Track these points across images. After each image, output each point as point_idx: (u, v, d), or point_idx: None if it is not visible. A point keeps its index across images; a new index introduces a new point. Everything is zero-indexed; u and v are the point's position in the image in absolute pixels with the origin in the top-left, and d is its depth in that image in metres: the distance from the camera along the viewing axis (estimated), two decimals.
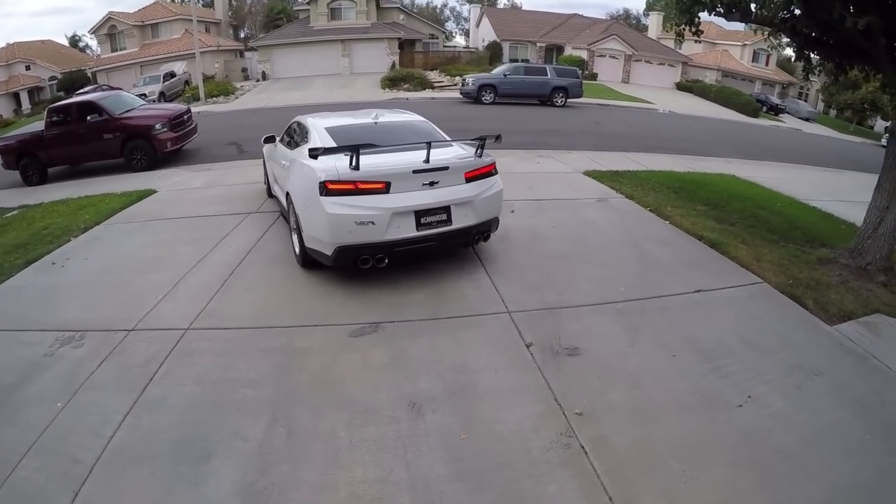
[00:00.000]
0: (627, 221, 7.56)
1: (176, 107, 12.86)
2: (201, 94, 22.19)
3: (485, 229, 5.47)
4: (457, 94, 25.05)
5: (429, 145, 5.00)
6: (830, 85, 33.12)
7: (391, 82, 27.54)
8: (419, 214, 4.95)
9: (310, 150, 5.12)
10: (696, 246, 6.71)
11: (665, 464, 3.12)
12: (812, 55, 7.32)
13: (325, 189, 4.76)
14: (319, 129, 5.83)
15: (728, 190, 10.86)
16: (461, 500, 2.88)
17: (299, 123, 6.44)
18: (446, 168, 5.05)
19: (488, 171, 5.42)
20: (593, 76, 38.16)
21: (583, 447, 3.21)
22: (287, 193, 5.65)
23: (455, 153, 5.38)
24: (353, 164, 4.75)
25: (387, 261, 5.01)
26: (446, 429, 3.38)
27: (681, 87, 40.94)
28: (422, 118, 6.52)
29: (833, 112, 44.84)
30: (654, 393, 3.74)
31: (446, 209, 5.07)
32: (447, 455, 3.18)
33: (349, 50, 34.58)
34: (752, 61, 44.27)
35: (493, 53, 39.53)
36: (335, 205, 4.74)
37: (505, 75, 22.78)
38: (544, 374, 3.91)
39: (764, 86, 43.33)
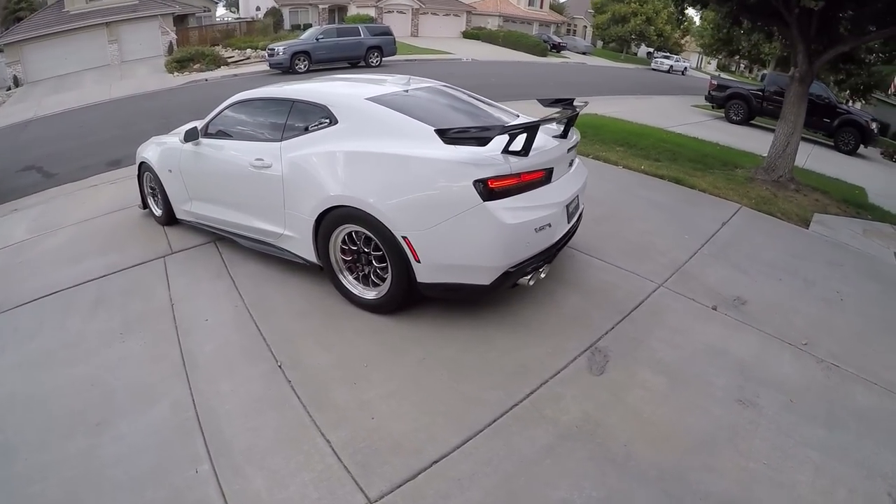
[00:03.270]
0: (591, 170, 7.02)
1: None
2: None
3: None
4: (259, 68, 22.81)
5: (571, 119, 3.85)
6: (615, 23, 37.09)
7: (179, 64, 23.73)
8: (568, 203, 3.80)
9: (442, 130, 3.33)
10: (668, 185, 7.23)
11: (872, 349, 3.88)
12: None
13: (489, 190, 3.20)
14: (358, 101, 3.87)
15: (619, 129, 11.10)
16: (868, 444, 2.94)
17: (282, 100, 4.26)
18: (577, 144, 4.06)
19: None
20: None
21: (833, 364, 3.64)
22: (323, 214, 3.71)
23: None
24: (522, 148, 3.26)
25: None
26: (780, 402, 3.22)
27: (467, 35, 41.94)
28: (442, 83, 4.91)
29: (600, 44, 49.63)
30: (809, 309, 4.35)
31: (578, 193, 4.03)
32: (812, 420, 3.11)
33: (117, 34, 28.27)
34: (529, 5, 46.85)
35: (276, 21, 36.62)
36: (509, 211, 3.26)
37: (317, 39, 20.77)
38: (756, 328, 3.98)
39: (541, 27, 46.27)
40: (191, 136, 4.69)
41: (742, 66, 53.12)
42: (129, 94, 18.94)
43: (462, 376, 3.20)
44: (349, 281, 3.90)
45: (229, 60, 25.62)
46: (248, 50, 27.79)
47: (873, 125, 14.81)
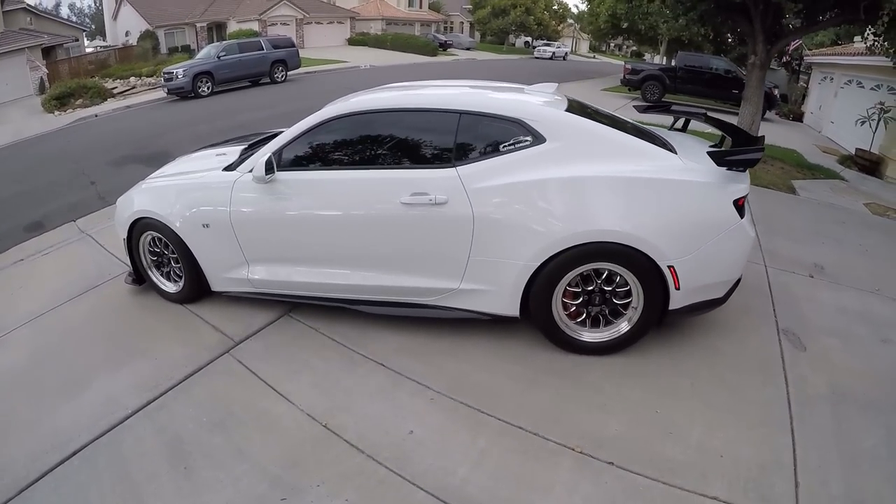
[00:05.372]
0: None
1: None
2: None
3: None
4: (153, 96, 20.22)
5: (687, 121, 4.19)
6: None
7: (59, 101, 20.66)
8: None
9: (717, 153, 3.17)
10: None
11: None
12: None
13: (740, 207, 3.10)
14: (561, 114, 3.19)
15: None
16: None
17: (441, 112, 3.22)
18: None
19: None
20: None
21: None
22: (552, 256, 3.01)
23: None
24: (742, 165, 3.16)
25: None
26: None
27: (353, 41, 40.32)
28: None
29: (478, 37, 49.80)
30: (856, 262, 4.99)
31: None
32: None
33: None
34: (409, 6, 45.85)
35: (154, 45, 33.33)
36: (749, 224, 3.22)
37: (219, 57, 18.50)
38: (845, 284, 4.49)
39: (422, 27, 45.59)
40: (268, 168, 3.29)
41: (612, 46, 55.69)
42: (9, 141, 16.02)
43: (734, 387, 3.08)
44: (572, 327, 3.27)
45: (115, 92, 22.77)
46: (132, 78, 24.93)
47: (776, 92, 15.49)
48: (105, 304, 4.29)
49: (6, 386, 3.38)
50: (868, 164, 10.09)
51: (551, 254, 2.98)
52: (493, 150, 3.12)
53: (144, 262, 4.17)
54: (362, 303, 3.49)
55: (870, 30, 8.39)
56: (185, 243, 3.74)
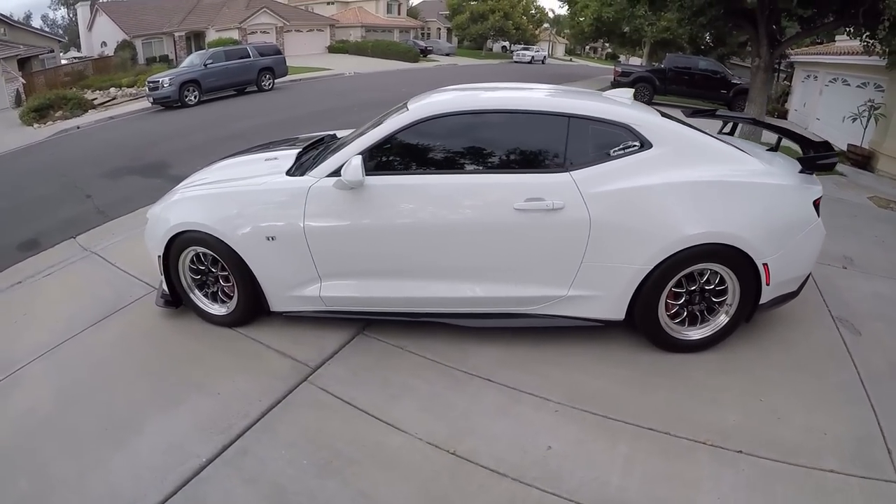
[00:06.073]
0: None
1: None
2: None
3: None
4: (137, 106, 19.55)
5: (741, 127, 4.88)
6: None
7: (38, 113, 19.90)
8: None
9: (809, 159, 3.32)
10: None
11: None
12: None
13: (817, 207, 3.27)
14: (662, 120, 3.30)
15: None
16: None
17: (548, 115, 3.11)
18: None
19: None
20: None
21: None
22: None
23: None
24: (811, 168, 3.32)
25: None
26: None
27: (333, 49, 39.90)
28: None
29: (456, 42, 49.72)
30: (877, 253, 5.25)
31: None
32: None
33: None
34: (388, 13, 45.57)
35: (132, 55, 32.50)
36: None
37: (206, 65, 17.94)
38: (874, 273, 4.72)
39: (401, 33, 45.34)
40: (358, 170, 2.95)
41: (588, 49, 56.18)
42: None
43: (814, 373, 3.24)
44: (673, 327, 3.27)
45: (96, 103, 22.01)
46: (112, 89, 24.16)
47: None
48: (136, 331, 3.75)
49: (32, 435, 2.77)
50: (860, 159, 10.25)
51: (665, 256, 2.98)
52: (604, 154, 3.07)
53: (185, 282, 3.68)
54: (459, 316, 3.28)
55: (865, 33, 8.42)
56: (242, 259, 3.32)
